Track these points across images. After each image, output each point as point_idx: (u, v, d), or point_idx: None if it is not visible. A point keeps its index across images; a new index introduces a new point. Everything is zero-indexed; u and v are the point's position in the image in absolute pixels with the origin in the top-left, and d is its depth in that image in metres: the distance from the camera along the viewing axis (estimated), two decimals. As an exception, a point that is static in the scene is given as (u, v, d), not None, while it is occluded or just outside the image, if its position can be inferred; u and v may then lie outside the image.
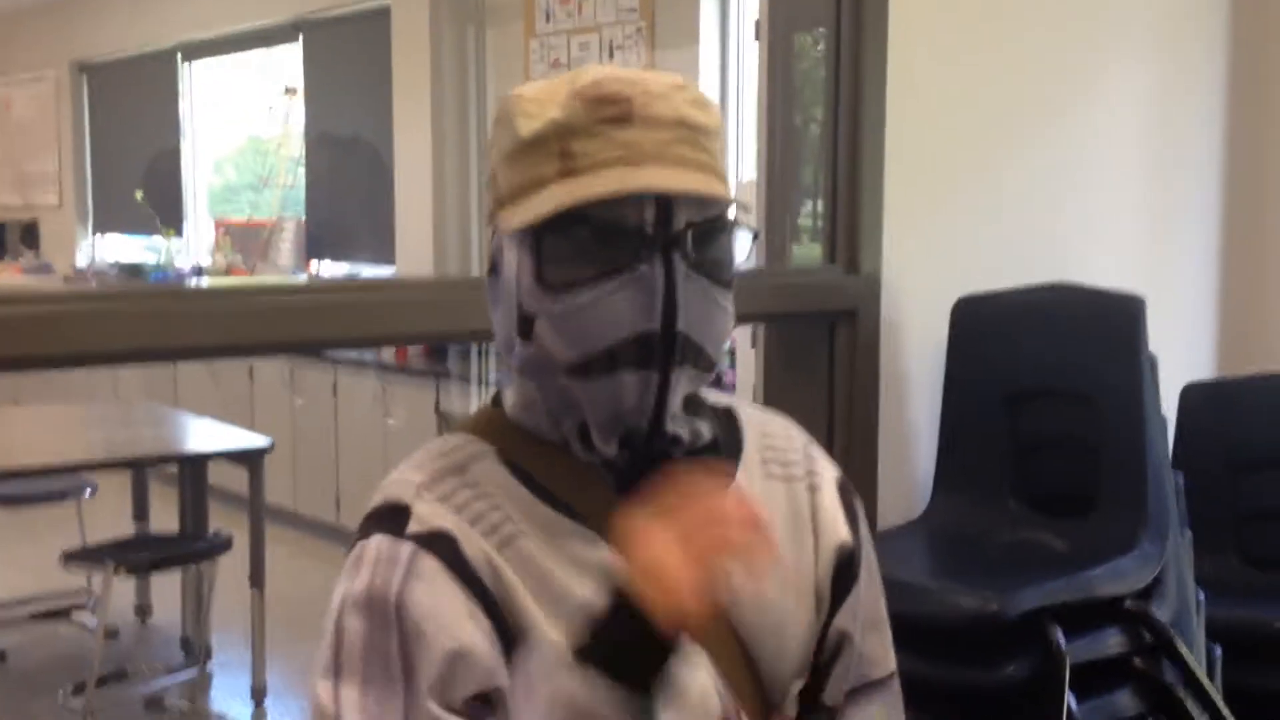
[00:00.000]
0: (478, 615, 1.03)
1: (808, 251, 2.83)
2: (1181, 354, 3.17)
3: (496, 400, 1.18)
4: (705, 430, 1.14)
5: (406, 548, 1.05)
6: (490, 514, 1.08)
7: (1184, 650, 2.30)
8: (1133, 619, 2.29)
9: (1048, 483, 2.56)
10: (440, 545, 1.05)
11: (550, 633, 1.03)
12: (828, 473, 1.25)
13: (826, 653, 1.22)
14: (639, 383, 1.06)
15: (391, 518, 1.07)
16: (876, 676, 1.25)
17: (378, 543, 1.06)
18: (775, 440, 1.24)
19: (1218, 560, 2.77)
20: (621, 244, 1.04)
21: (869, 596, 1.25)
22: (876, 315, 2.58)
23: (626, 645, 0.96)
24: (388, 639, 1.02)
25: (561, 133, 1.05)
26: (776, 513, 1.18)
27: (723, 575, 0.97)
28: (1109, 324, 2.53)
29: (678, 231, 1.05)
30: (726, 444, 1.18)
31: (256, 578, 4.37)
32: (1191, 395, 2.98)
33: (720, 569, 0.97)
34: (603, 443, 1.08)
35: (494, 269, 1.13)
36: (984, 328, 2.63)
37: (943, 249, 2.72)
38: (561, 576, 1.06)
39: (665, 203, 1.05)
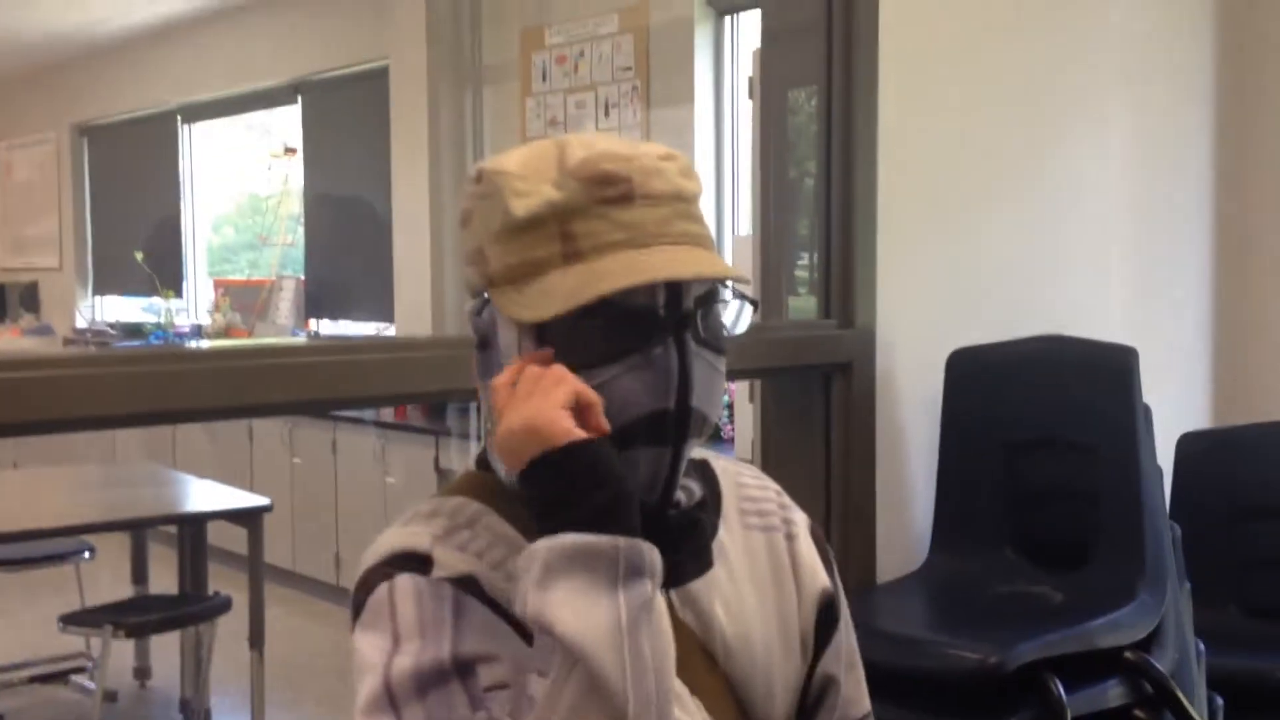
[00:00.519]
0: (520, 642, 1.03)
1: (803, 303, 2.85)
2: (1177, 404, 3.18)
3: (481, 463, 1.17)
4: (696, 488, 1.16)
5: (447, 587, 1.04)
6: (508, 562, 1.06)
7: (1185, 701, 2.29)
8: (1133, 670, 2.29)
9: (1045, 534, 2.56)
10: (474, 588, 1.04)
11: None
12: (801, 520, 1.26)
13: (812, 696, 1.22)
14: (653, 459, 1.06)
15: (412, 563, 1.05)
16: (855, 716, 1.26)
17: (408, 580, 1.04)
18: (750, 490, 1.24)
19: (1217, 611, 2.77)
20: (633, 328, 1.04)
21: (847, 639, 1.26)
22: (872, 368, 2.59)
23: (570, 489, 0.98)
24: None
25: (561, 215, 1.05)
26: (759, 563, 1.19)
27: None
28: (1102, 375, 2.54)
29: (688, 311, 1.06)
30: (708, 496, 1.19)
31: (256, 639, 4.35)
32: (1187, 445, 2.99)
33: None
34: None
35: (484, 344, 1.13)
36: (979, 380, 2.65)
37: (936, 302, 2.73)
38: None
39: (675, 285, 1.05)
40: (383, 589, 1.04)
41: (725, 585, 1.16)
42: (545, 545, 0.95)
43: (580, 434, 0.99)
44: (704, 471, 1.21)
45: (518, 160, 1.08)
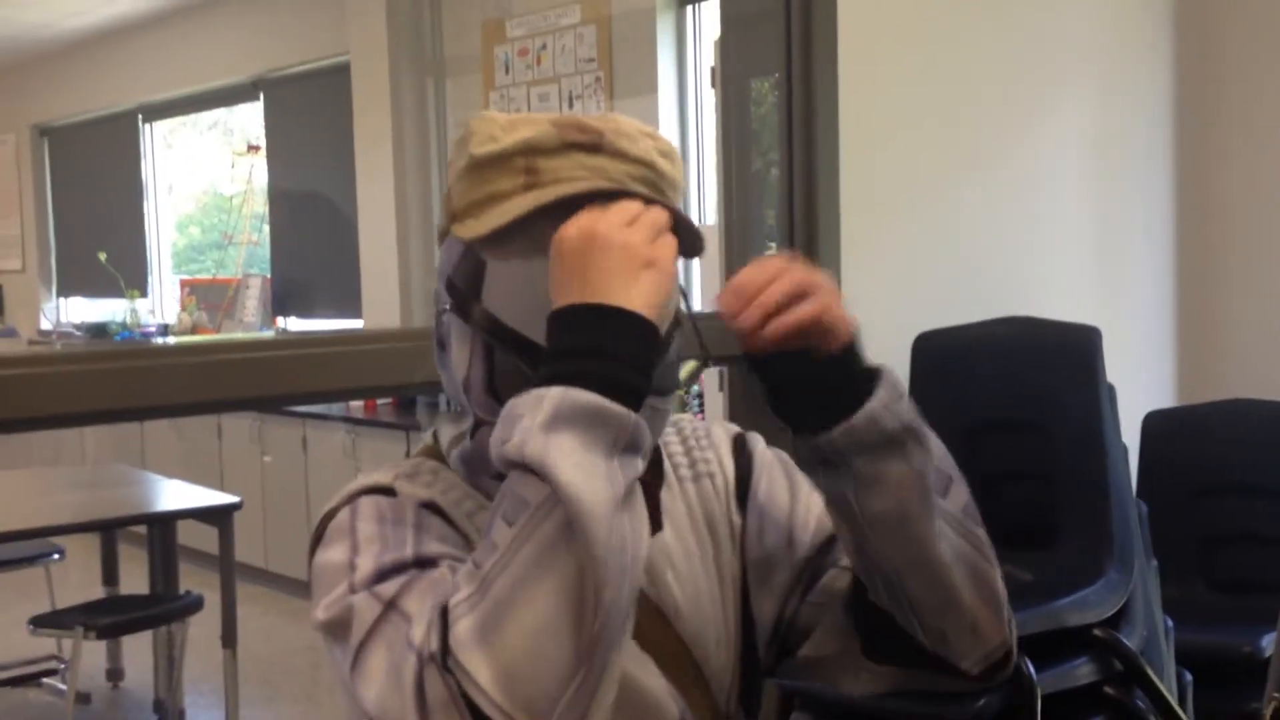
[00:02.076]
0: None
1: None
2: (1142, 384, 3.21)
3: (434, 438, 1.20)
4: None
5: (411, 504, 1.06)
6: (465, 501, 1.10)
7: (1154, 677, 2.31)
8: (1102, 647, 2.31)
9: (1012, 514, 2.58)
10: (438, 512, 1.07)
11: None
12: (724, 447, 1.26)
13: (809, 564, 1.21)
14: None
15: (376, 492, 1.08)
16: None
17: (372, 500, 1.06)
18: (682, 444, 1.25)
19: (1184, 587, 2.80)
20: None
21: (778, 489, 1.23)
22: (838, 354, 2.60)
23: (591, 342, 0.95)
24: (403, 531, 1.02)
25: (528, 150, 1.06)
26: (696, 516, 1.21)
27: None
28: (1066, 355, 2.56)
29: None
30: (651, 469, 1.19)
31: (229, 638, 4.33)
32: (1152, 424, 3.02)
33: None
34: None
35: (442, 345, 1.15)
36: (944, 362, 2.66)
37: (901, 286, 2.75)
38: None
39: None
40: (344, 512, 1.06)
41: (673, 545, 1.18)
42: (561, 392, 0.91)
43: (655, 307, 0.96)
44: None
45: (508, 115, 1.10)
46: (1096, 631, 2.30)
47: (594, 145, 1.07)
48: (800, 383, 1.05)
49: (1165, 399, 3.37)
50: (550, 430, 0.90)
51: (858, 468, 1.04)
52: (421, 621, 0.91)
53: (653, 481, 1.18)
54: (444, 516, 1.08)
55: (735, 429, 1.30)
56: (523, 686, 0.87)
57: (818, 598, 1.19)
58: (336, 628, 0.99)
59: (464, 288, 1.10)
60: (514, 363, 1.06)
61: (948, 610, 1.08)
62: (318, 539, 1.08)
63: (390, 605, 0.96)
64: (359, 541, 1.02)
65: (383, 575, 0.99)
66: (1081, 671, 2.30)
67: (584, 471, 0.89)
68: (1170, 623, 2.55)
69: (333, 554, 1.03)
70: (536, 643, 0.87)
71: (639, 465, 0.94)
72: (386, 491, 1.08)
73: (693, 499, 1.22)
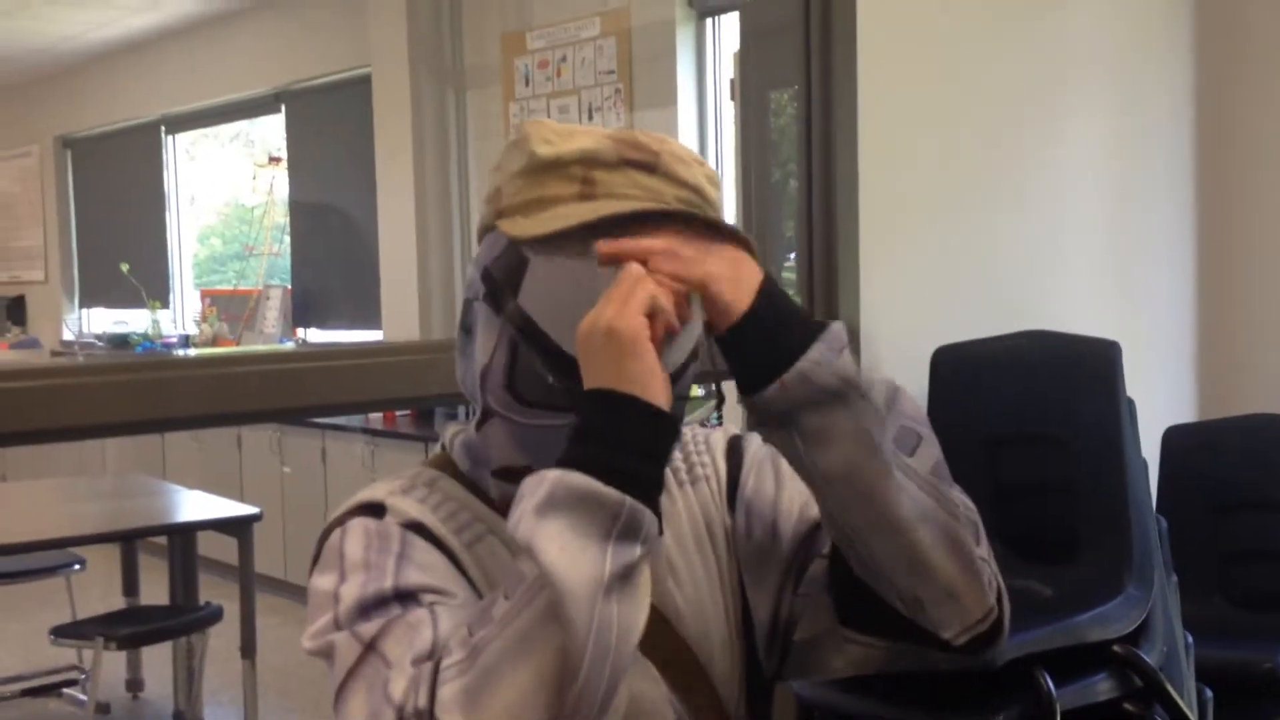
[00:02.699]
0: (469, 592, 1.07)
1: (790, 304, 2.85)
2: (1162, 398, 3.20)
3: (444, 448, 1.23)
4: None
5: (394, 527, 1.08)
6: (459, 514, 1.13)
7: (1174, 694, 2.30)
8: (1122, 663, 2.30)
9: (1032, 528, 2.57)
10: (423, 532, 1.09)
11: None
12: (719, 450, 1.28)
13: (799, 553, 1.21)
14: None
15: (368, 510, 1.11)
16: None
17: (361, 522, 1.09)
18: (685, 446, 1.27)
19: (1204, 602, 2.79)
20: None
21: (764, 484, 1.24)
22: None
23: (594, 426, 0.98)
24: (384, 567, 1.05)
25: (587, 160, 1.09)
26: (696, 521, 1.23)
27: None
28: (1086, 369, 2.55)
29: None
30: None
31: (248, 648, 4.35)
32: (1173, 438, 3.01)
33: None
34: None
35: (467, 331, 1.17)
36: (963, 376, 2.66)
37: (920, 299, 2.75)
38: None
39: None
40: (336, 534, 1.09)
41: (673, 550, 1.20)
42: (557, 475, 0.95)
43: (662, 394, 0.99)
44: None
45: (563, 124, 1.14)
46: (1116, 648, 2.29)
47: (650, 165, 1.09)
48: (736, 345, 1.05)
49: (1185, 414, 3.35)
50: (542, 513, 0.94)
51: (802, 424, 1.04)
52: (401, 675, 0.95)
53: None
54: (430, 536, 1.10)
55: (733, 431, 1.31)
56: None
57: (806, 588, 1.19)
58: (322, 658, 1.04)
59: (501, 281, 1.11)
60: (536, 364, 1.08)
61: (919, 573, 1.06)
62: (315, 556, 1.12)
63: (370, 647, 0.99)
64: (345, 568, 1.05)
65: (364, 609, 1.02)
66: (1101, 688, 2.28)
67: (569, 555, 0.92)
68: (1190, 639, 2.53)
69: (322, 580, 1.07)
70: (515, 717, 0.91)
71: (636, 551, 0.95)
72: (377, 510, 1.10)
73: (691, 504, 1.23)
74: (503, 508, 1.06)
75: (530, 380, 1.08)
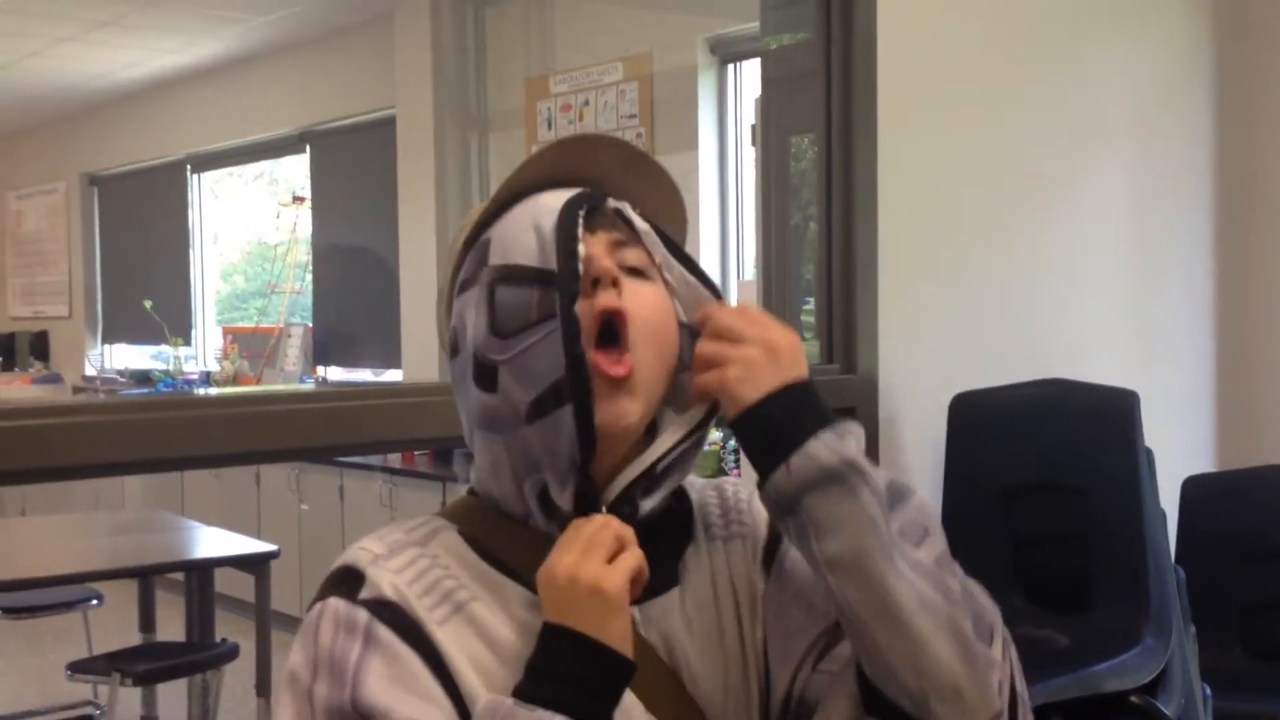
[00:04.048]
0: (433, 690, 1.05)
1: (809, 347, 2.86)
2: (1180, 448, 3.19)
3: (472, 491, 1.21)
4: (657, 502, 1.16)
5: (363, 615, 1.07)
6: (444, 581, 1.10)
7: (1191, 745, 2.29)
8: (1139, 714, 2.29)
9: (1049, 577, 2.56)
10: (392, 614, 1.07)
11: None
12: (763, 511, 1.24)
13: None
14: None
15: (346, 582, 1.09)
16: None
17: (334, 605, 1.08)
18: (718, 501, 1.25)
19: (1222, 654, 2.77)
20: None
21: (796, 577, 1.22)
22: (874, 413, 2.60)
23: (568, 670, 1.03)
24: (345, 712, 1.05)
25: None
26: (721, 577, 1.20)
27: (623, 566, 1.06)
28: (1104, 418, 2.55)
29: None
30: (678, 514, 1.21)
31: (263, 686, 4.35)
32: (1191, 488, 2.99)
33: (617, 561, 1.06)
34: (559, 491, 1.10)
35: (455, 350, 1.17)
36: (981, 424, 2.66)
37: (938, 347, 2.75)
38: (512, 639, 1.08)
39: None
40: (315, 610, 1.09)
41: (690, 605, 1.17)
42: (527, 716, 1.01)
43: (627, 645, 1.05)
44: (678, 494, 1.22)
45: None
46: (1134, 698, 2.28)
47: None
48: (743, 433, 1.09)
49: (1204, 464, 3.34)
50: None
51: (808, 508, 1.05)
52: None
53: (670, 539, 1.18)
54: (401, 619, 1.07)
55: None
56: None
57: (828, 665, 1.16)
58: None
59: (472, 273, 1.15)
60: (512, 295, 1.10)
61: (923, 667, 1.05)
62: (309, 610, 1.11)
63: None
64: (317, 658, 1.06)
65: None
66: (1118, 738, 2.28)
67: None
68: (1208, 690, 2.52)
69: (298, 661, 1.08)
70: None
71: None
72: (355, 581, 1.09)
73: (720, 560, 1.21)
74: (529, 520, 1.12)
75: (510, 311, 1.10)
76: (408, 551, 1.12)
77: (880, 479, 1.08)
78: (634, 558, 1.06)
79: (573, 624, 1.04)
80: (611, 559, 1.06)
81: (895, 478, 1.12)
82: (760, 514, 1.24)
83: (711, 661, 1.16)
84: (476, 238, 1.16)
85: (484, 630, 1.09)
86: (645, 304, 1.12)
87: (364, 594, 1.08)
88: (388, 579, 1.09)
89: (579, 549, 1.06)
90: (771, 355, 1.08)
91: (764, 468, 1.07)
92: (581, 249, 1.10)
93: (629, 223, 1.15)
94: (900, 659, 1.05)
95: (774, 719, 1.18)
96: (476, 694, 1.05)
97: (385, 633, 1.06)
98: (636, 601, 1.11)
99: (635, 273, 1.13)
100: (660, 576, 1.14)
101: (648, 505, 1.14)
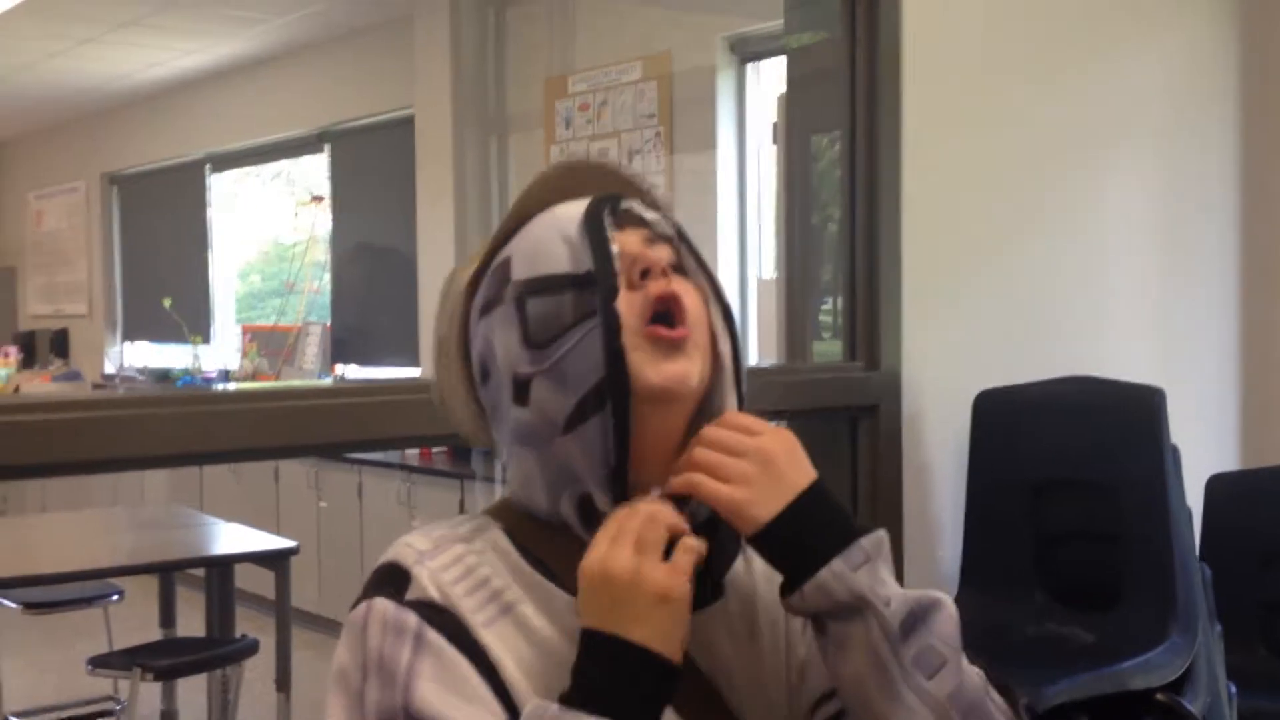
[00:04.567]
0: (484, 693, 1.04)
1: (828, 347, 2.85)
2: (1205, 445, 3.17)
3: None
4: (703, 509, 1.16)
5: (412, 618, 1.05)
6: (492, 580, 1.09)
7: (1217, 744, 2.28)
8: (1165, 712, 2.28)
9: (1074, 575, 2.55)
10: (440, 618, 1.06)
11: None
12: None
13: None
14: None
15: (392, 581, 1.08)
16: None
17: (382, 606, 1.07)
18: None
19: (1247, 652, 2.75)
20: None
21: None
22: (898, 410, 2.59)
23: (612, 676, 1.01)
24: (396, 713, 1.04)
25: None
26: (770, 590, 1.18)
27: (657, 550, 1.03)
28: (1130, 415, 2.54)
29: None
30: (726, 527, 1.18)
31: (283, 681, 4.35)
32: (1216, 486, 2.98)
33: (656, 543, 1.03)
34: (603, 497, 1.09)
35: (486, 375, 1.16)
36: (1006, 421, 2.65)
37: (962, 344, 2.74)
38: (558, 643, 1.07)
39: None
40: (362, 609, 1.08)
41: (735, 618, 1.16)
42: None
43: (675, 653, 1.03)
44: None
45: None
46: (1159, 696, 2.27)
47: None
48: (760, 550, 1.09)
49: (1228, 462, 3.32)
50: None
51: (829, 628, 1.08)
52: None
53: (720, 551, 1.17)
54: (448, 621, 1.06)
55: None
56: None
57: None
58: None
59: (493, 296, 1.14)
60: (544, 304, 1.09)
61: None
62: (353, 607, 1.10)
63: None
64: (366, 661, 1.05)
65: None
66: (1144, 737, 2.26)
67: None
68: (1234, 688, 2.50)
69: (347, 661, 1.07)
70: None
71: None
72: (401, 581, 1.08)
73: (765, 577, 1.19)
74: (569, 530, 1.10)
75: (543, 320, 1.09)
76: (454, 548, 1.11)
77: (901, 604, 1.07)
78: (692, 552, 1.04)
79: (629, 629, 1.01)
80: (666, 554, 1.04)
81: (925, 594, 1.10)
82: None
83: (752, 676, 1.15)
84: (488, 265, 1.16)
85: (531, 633, 1.08)
86: (688, 293, 1.12)
87: (410, 595, 1.07)
88: (434, 579, 1.08)
89: (630, 543, 1.03)
90: (769, 467, 1.08)
91: (784, 581, 1.09)
92: (616, 247, 1.10)
93: (645, 222, 1.15)
94: None
95: None
96: (525, 697, 1.04)
97: (435, 636, 1.05)
98: None
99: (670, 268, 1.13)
100: (708, 589, 1.14)
101: (693, 505, 1.12)
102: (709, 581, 1.14)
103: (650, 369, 1.07)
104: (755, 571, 1.20)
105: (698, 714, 1.10)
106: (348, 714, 1.04)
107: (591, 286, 1.08)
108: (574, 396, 1.07)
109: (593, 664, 1.01)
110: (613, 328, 1.07)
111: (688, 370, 1.09)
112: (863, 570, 1.06)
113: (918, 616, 1.08)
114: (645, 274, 1.10)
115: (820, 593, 1.05)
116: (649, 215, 1.15)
